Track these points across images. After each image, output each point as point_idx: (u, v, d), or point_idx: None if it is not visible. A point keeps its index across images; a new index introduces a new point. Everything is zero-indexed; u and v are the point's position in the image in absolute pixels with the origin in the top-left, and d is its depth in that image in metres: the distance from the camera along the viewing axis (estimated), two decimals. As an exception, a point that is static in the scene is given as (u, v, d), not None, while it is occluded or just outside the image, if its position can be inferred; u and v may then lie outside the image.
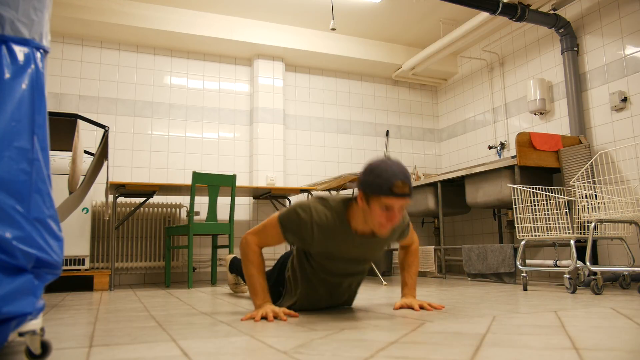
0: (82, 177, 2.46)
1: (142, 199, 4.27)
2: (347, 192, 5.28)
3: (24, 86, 1.08)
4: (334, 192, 4.79)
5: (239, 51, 5.02)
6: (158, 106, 4.78)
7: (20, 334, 1.06)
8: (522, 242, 3.00)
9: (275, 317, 1.79)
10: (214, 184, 3.80)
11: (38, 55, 1.12)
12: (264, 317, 1.79)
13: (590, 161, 3.33)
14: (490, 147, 4.98)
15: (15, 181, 1.02)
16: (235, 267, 3.06)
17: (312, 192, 4.72)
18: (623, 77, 3.69)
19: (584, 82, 3.99)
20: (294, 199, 5.07)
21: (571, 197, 3.24)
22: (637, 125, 3.58)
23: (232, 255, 3.19)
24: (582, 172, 3.34)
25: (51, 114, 2.06)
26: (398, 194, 1.68)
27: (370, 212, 1.75)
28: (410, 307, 2.04)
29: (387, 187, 1.67)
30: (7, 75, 1.06)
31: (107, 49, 4.69)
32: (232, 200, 3.94)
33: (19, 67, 1.08)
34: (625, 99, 3.64)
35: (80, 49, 4.59)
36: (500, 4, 3.81)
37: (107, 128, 2.52)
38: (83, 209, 3.78)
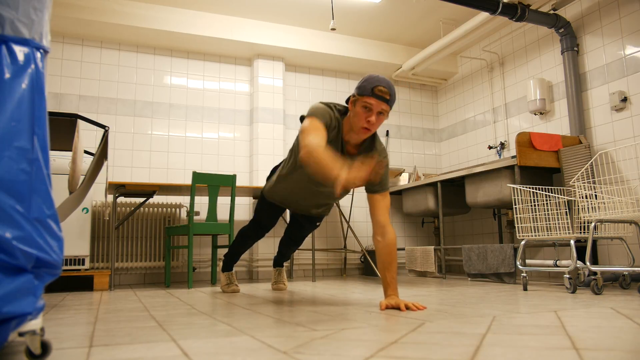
0: (82, 177, 2.46)
1: (142, 199, 4.27)
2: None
3: (24, 86, 1.08)
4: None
5: (239, 51, 5.02)
6: (158, 106, 4.78)
7: (20, 334, 1.06)
8: (522, 242, 3.00)
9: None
10: (214, 184, 3.80)
11: (38, 55, 1.12)
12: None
13: (590, 161, 3.34)
14: (490, 147, 4.98)
15: (15, 181, 1.02)
16: (226, 258, 3.23)
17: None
18: (623, 77, 3.69)
19: (584, 82, 3.99)
20: (294, 199, 5.07)
21: (571, 197, 3.24)
22: (637, 125, 3.58)
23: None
24: (582, 172, 3.34)
25: (51, 114, 2.06)
26: (378, 95, 2.04)
27: (354, 114, 2.11)
28: (397, 308, 2.04)
29: (370, 88, 2.05)
30: (7, 75, 1.06)
31: (107, 49, 4.69)
32: (232, 200, 3.94)
33: (19, 67, 1.08)
34: (625, 99, 3.64)
35: (80, 49, 4.59)
36: (500, 4, 3.81)
37: (107, 128, 2.52)
38: (83, 209, 3.78)
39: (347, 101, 2.24)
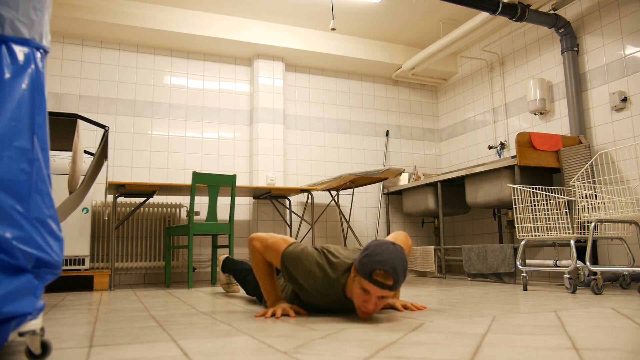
0: (82, 177, 2.46)
1: (142, 199, 4.27)
2: (347, 192, 5.29)
3: (24, 86, 1.08)
4: (334, 192, 4.79)
5: (239, 51, 5.02)
6: (158, 106, 4.78)
7: (20, 334, 1.06)
8: (522, 242, 3.00)
9: (284, 314, 1.88)
10: (214, 184, 3.80)
11: (38, 55, 1.12)
12: (273, 315, 1.88)
13: (590, 161, 3.33)
14: (490, 147, 4.98)
15: (15, 181, 1.02)
16: (227, 266, 3.09)
17: (312, 192, 4.73)
18: (623, 77, 3.69)
19: (584, 82, 3.99)
20: (294, 198, 5.07)
21: (571, 197, 3.24)
22: (637, 125, 3.58)
23: (224, 256, 3.21)
24: (582, 172, 3.34)
25: (51, 114, 2.06)
26: (377, 282, 1.63)
27: (353, 291, 1.74)
28: (394, 308, 2.04)
29: (368, 271, 1.63)
30: (7, 75, 1.06)
31: (107, 49, 4.69)
32: (232, 200, 3.94)
33: (19, 67, 1.08)
34: (625, 99, 3.64)
35: (80, 49, 4.59)
36: (500, 4, 3.81)
37: (107, 128, 2.52)
38: (83, 209, 3.78)
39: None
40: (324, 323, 1.69)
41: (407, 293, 2.85)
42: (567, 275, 2.73)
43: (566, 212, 3.11)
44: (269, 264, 2.01)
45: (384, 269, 1.61)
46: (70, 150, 2.54)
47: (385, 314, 1.92)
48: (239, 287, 3.23)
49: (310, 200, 5.01)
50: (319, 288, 1.85)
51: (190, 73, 4.96)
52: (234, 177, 3.91)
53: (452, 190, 4.65)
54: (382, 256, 1.63)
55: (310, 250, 1.90)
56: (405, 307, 2.04)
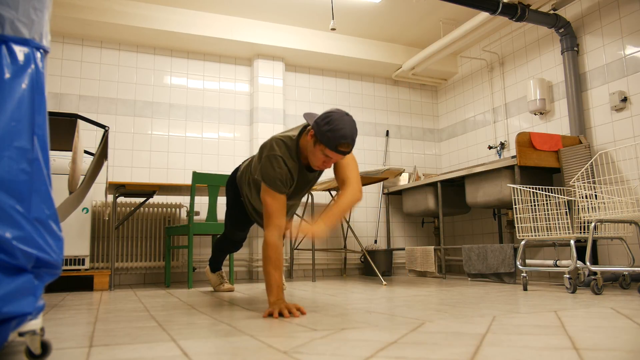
0: (82, 177, 2.46)
1: (142, 199, 4.27)
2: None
3: (24, 86, 1.08)
4: (334, 192, 4.79)
5: (239, 51, 5.02)
6: (158, 106, 4.78)
7: (20, 334, 1.06)
8: (522, 242, 3.00)
9: (290, 312, 1.91)
10: (214, 184, 3.80)
11: (38, 55, 1.12)
12: (281, 314, 1.90)
13: (590, 161, 3.34)
14: (490, 147, 4.98)
15: (15, 181, 1.02)
16: (211, 259, 3.27)
17: (312, 192, 4.72)
18: (623, 77, 3.69)
19: (584, 82, 3.99)
20: (294, 199, 5.07)
21: (571, 197, 3.24)
22: (637, 125, 3.58)
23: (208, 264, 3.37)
24: (582, 172, 3.34)
25: (51, 114, 2.06)
26: (341, 151, 1.99)
27: (313, 153, 2.06)
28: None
29: (334, 144, 1.96)
30: (7, 75, 1.06)
31: (107, 49, 4.69)
32: (232, 200, 3.94)
33: (19, 67, 1.08)
34: (625, 99, 3.64)
35: (80, 49, 4.59)
36: (500, 4, 3.81)
37: (107, 128, 2.52)
38: (83, 209, 3.78)
39: (304, 128, 2.18)
40: (324, 323, 1.69)
41: (407, 293, 2.85)
42: (567, 275, 2.73)
43: (566, 212, 3.11)
44: (280, 256, 2.06)
45: (347, 141, 1.97)
46: (70, 150, 2.54)
47: (386, 314, 1.92)
48: (232, 285, 3.28)
49: (310, 200, 5.01)
50: (292, 166, 2.12)
51: (190, 73, 4.96)
52: (234, 177, 3.90)
53: (452, 190, 4.65)
54: (345, 130, 1.95)
55: (268, 150, 2.13)
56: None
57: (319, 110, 5.38)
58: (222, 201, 4.66)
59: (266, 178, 2.09)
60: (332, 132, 1.94)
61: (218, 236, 3.08)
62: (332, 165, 2.19)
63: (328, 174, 5.31)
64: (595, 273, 2.61)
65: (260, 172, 2.13)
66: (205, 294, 3.15)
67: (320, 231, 2.00)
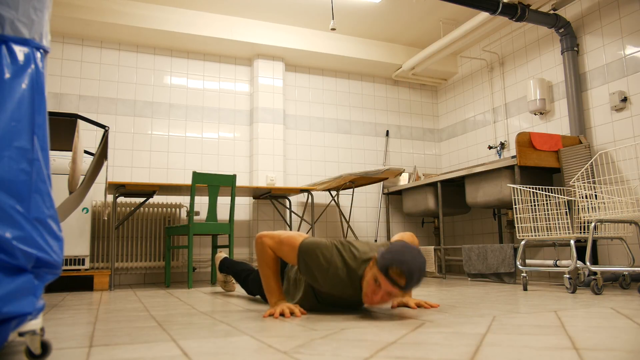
0: (82, 177, 2.46)
1: (142, 199, 4.27)
2: (347, 192, 5.28)
3: (24, 86, 1.08)
4: (334, 192, 4.79)
5: (239, 51, 5.02)
6: (158, 106, 4.78)
7: (20, 334, 1.06)
8: (522, 242, 3.00)
9: (292, 313, 1.89)
10: (214, 184, 3.80)
11: (38, 55, 1.12)
12: (282, 314, 1.89)
13: (590, 161, 3.33)
14: (490, 147, 4.98)
15: (15, 181, 1.02)
16: (226, 267, 3.08)
17: (312, 192, 4.72)
18: (623, 77, 3.69)
19: (584, 82, 3.99)
20: (294, 198, 5.07)
21: (571, 197, 3.24)
22: (637, 125, 3.58)
23: (222, 255, 3.20)
24: (582, 172, 3.34)
25: (51, 114, 2.06)
26: (390, 278, 1.68)
27: (366, 280, 1.79)
28: (407, 305, 2.06)
29: (385, 267, 1.69)
30: (7, 75, 1.06)
31: (107, 49, 4.69)
32: (232, 200, 3.94)
33: (19, 67, 1.08)
34: (625, 99, 3.64)
35: (80, 49, 4.59)
36: (500, 4, 3.81)
37: (107, 128, 2.52)
38: (83, 209, 3.78)
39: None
40: (324, 323, 1.69)
41: (407, 293, 2.85)
42: (567, 275, 2.73)
43: (566, 212, 3.11)
44: (276, 262, 2.02)
45: (400, 268, 1.66)
46: (70, 150, 2.54)
47: (386, 314, 1.92)
48: (236, 284, 3.24)
49: (310, 200, 5.01)
50: (340, 275, 1.87)
51: (190, 73, 4.96)
52: (234, 177, 3.91)
53: (452, 190, 4.65)
54: (404, 256, 1.69)
55: (328, 242, 1.93)
56: (419, 305, 2.07)
57: (318, 110, 5.39)
58: (222, 201, 4.66)
59: (304, 249, 1.90)
60: (391, 254, 1.70)
61: (241, 266, 2.92)
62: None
63: (328, 174, 5.31)
64: (595, 273, 2.61)
65: (308, 245, 1.91)
66: (205, 294, 3.15)
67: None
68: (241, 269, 2.86)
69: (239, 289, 3.33)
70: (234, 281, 3.22)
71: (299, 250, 1.91)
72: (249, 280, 2.68)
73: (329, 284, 1.90)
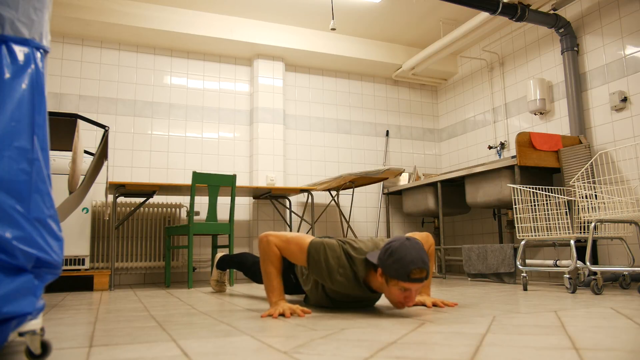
0: (82, 177, 2.46)
1: (142, 199, 4.27)
2: (348, 191, 5.28)
3: (24, 86, 1.08)
4: (334, 192, 4.79)
5: (239, 51, 5.02)
6: (158, 106, 4.78)
7: (20, 334, 1.06)
8: (522, 242, 3.00)
9: (292, 313, 1.89)
10: (213, 184, 3.80)
11: (38, 55, 1.12)
12: (282, 314, 1.88)
13: (590, 161, 3.33)
14: (490, 147, 4.98)
15: (15, 181, 1.02)
16: (227, 262, 3.09)
17: (312, 192, 4.72)
18: (623, 77, 3.69)
19: (584, 82, 3.99)
20: (294, 198, 5.07)
21: (571, 197, 3.24)
22: (637, 125, 3.58)
23: (221, 254, 3.20)
24: (582, 172, 3.34)
25: (51, 114, 2.06)
26: (416, 279, 1.74)
27: (388, 292, 1.82)
28: (423, 304, 2.08)
29: (405, 274, 1.72)
30: (7, 75, 1.06)
31: (107, 49, 4.69)
32: (232, 200, 3.94)
33: (19, 67, 1.08)
34: (625, 99, 3.64)
35: (80, 49, 4.59)
36: (500, 4, 3.81)
37: (107, 128, 2.52)
38: (83, 209, 3.78)
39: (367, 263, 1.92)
40: (324, 323, 1.69)
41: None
42: (567, 275, 2.73)
43: (566, 212, 3.11)
44: (281, 260, 2.03)
45: (417, 266, 1.72)
46: (70, 150, 2.54)
47: (386, 313, 1.92)
48: (227, 286, 3.23)
49: (310, 200, 5.01)
50: (349, 275, 1.91)
51: (190, 73, 4.96)
52: (234, 177, 3.91)
53: (452, 190, 4.65)
54: (411, 255, 1.73)
55: (335, 242, 1.96)
56: (434, 304, 2.09)
57: (318, 110, 5.39)
58: (222, 201, 4.66)
59: (313, 249, 1.93)
60: (398, 262, 1.73)
61: (245, 254, 2.92)
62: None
63: (328, 174, 5.31)
64: (595, 273, 2.61)
65: (314, 247, 1.94)
66: (205, 294, 3.15)
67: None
68: (245, 260, 2.88)
69: (238, 289, 3.33)
70: (227, 283, 3.22)
71: (309, 250, 1.93)
72: (258, 269, 2.70)
73: (337, 283, 1.92)
